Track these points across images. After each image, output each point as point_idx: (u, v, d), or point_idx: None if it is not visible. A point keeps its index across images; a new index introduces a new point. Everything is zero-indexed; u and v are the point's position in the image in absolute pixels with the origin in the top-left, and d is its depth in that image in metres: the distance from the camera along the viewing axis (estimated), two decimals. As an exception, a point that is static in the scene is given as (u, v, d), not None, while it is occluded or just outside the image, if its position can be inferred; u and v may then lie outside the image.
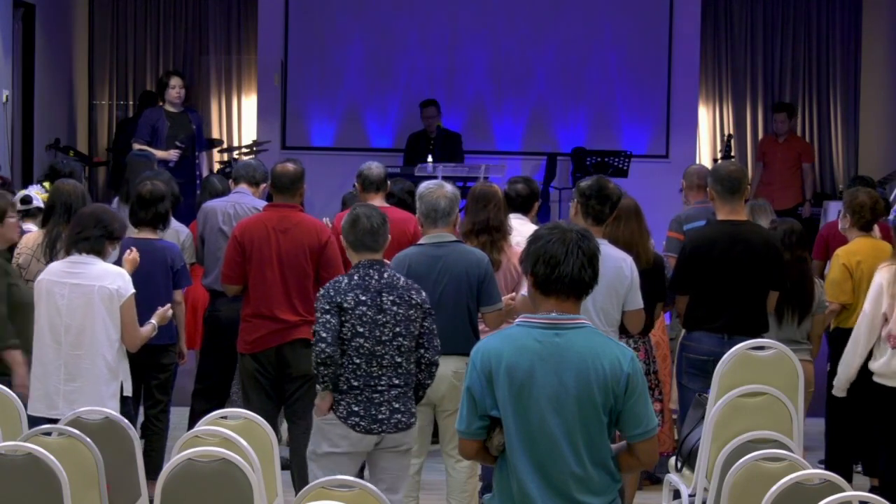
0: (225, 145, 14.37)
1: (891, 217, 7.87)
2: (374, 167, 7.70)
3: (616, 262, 6.34)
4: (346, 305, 5.61)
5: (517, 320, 4.19)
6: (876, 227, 7.76)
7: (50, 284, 6.18)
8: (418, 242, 6.53)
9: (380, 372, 5.65)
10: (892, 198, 10.34)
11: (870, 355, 6.77)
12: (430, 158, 12.10)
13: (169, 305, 6.60)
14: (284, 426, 7.37)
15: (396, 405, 5.69)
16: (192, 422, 7.35)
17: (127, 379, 6.27)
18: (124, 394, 6.24)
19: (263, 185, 8.04)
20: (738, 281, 6.74)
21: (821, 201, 13.39)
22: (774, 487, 4.77)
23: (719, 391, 6.27)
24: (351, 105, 14.26)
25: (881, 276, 6.65)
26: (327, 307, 5.61)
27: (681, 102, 14.25)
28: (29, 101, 13.14)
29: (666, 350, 7.62)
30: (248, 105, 14.95)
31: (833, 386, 7.07)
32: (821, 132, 14.93)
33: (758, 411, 6.05)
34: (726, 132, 14.65)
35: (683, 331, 7.05)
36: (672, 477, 6.48)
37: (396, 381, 5.68)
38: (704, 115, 14.87)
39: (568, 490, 4.05)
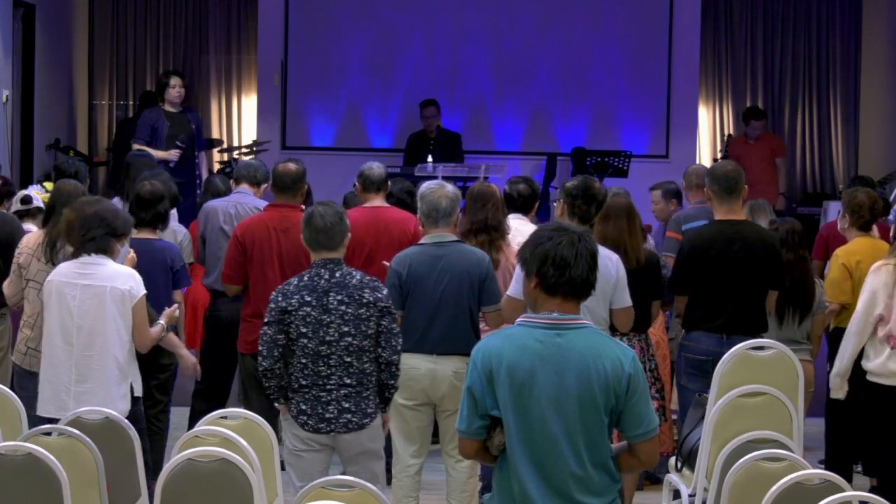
0: (225, 145, 14.37)
1: (891, 216, 7.88)
2: (376, 167, 7.70)
3: (602, 261, 6.32)
4: (290, 308, 5.62)
5: (518, 320, 4.20)
6: (875, 227, 7.76)
7: (61, 285, 6.14)
8: (419, 242, 6.53)
9: (328, 371, 5.64)
10: (891, 198, 10.34)
11: (864, 355, 6.76)
12: (430, 158, 12.10)
13: (176, 306, 6.58)
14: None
15: (346, 404, 5.65)
16: (192, 422, 7.35)
17: (137, 379, 6.25)
18: (135, 394, 6.24)
19: (265, 185, 8.05)
20: (736, 280, 6.74)
21: (820, 201, 13.40)
22: (774, 487, 4.77)
23: (719, 391, 6.27)
24: (351, 105, 14.27)
25: (878, 277, 6.63)
26: (269, 318, 5.67)
27: (681, 102, 14.26)
28: (29, 101, 13.14)
29: (666, 350, 7.62)
30: (248, 105, 14.95)
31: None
32: (821, 132, 14.93)
33: (758, 411, 6.05)
34: (726, 132, 14.66)
35: (683, 331, 7.06)
36: (672, 477, 6.48)
37: (348, 381, 5.65)
38: (704, 115, 14.87)
39: (568, 490, 4.05)
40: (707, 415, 6.16)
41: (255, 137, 14.26)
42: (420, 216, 6.50)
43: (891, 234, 6.99)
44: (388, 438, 6.52)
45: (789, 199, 14.21)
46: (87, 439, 5.22)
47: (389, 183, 7.90)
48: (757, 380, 6.20)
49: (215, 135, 14.69)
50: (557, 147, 14.03)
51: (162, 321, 6.38)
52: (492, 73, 14.28)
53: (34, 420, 6.01)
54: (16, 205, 7.96)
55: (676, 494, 6.48)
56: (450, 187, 6.51)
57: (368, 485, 4.67)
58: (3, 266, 7.13)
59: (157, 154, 10.30)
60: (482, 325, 6.46)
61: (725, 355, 6.39)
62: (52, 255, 6.73)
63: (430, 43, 14.28)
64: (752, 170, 12.95)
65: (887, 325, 6.58)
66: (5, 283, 6.98)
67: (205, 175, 10.92)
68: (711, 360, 6.50)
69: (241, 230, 7.16)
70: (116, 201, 8.58)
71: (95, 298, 6.10)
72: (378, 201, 7.56)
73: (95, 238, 6.15)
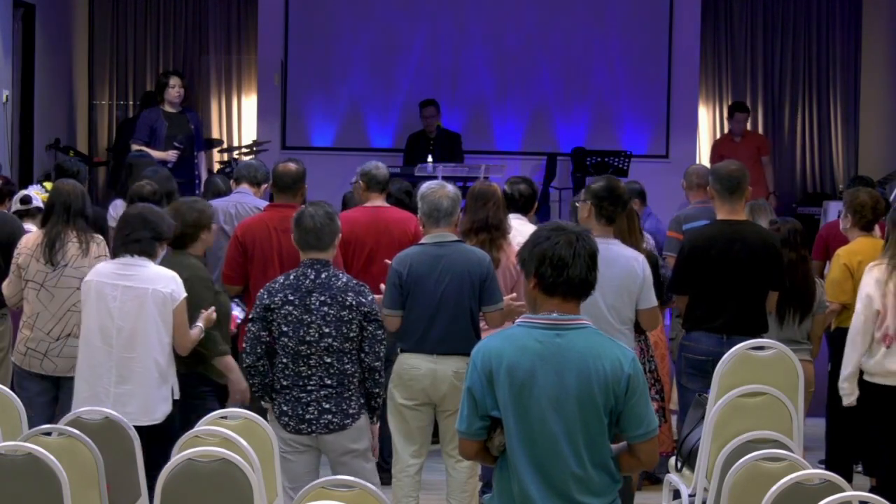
0: (225, 145, 14.38)
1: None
2: (381, 167, 7.70)
3: (628, 262, 6.38)
4: (273, 306, 5.64)
5: (518, 320, 4.20)
6: (877, 227, 7.76)
7: (100, 286, 6.11)
8: (420, 242, 6.53)
9: (309, 372, 5.65)
10: (892, 198, 10.34)
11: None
12: (429, 158, 12.11)
13: (213, 308, 6.50)
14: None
15: (326, 405, 5.65)
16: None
17: (175, 383, 6.21)
18: (174, 397, 6.23)
19: (265, 186, 8.05)
20: (736, 281, 6.73)
21: (820, 201, 13.40)
22: (774, 487, 4.77)
23: (719, 391, 6.27)
24: (351, 105, 14.27)
25: (873, 275, 6.62)
26: (253, 314, 5.69)
27: (681, 102, 14.27)
28: (29, 101, 13.14)
29: (664, 349, 7.62)
30: (248, 105, 14.95)
31: (835, 387, 7.06)
32: (821, 132, 14.93)
33: (758, 411, 6.05)
34: (726, 132, 14.65)
35: (683, 331, 7.06)
36: (672, 477, 6.48)
37: (328, 382, 5.65)
38: (704, 115, 14.87)
39: (568, 491, 4.05)
40: (707, 415, 6.16)
41: (255, 137, 14.26)
42: (421, 216, 6.49)
43: (888, 229, 6.98)
44: (388, 439, 6.52)
45: (789, 199, 14.21)
46: (87, 439, 5.21)
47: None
48: (757, 380, 6.20)
49: (215, 135, 14.69)
50: (557, 147, 14.04)
51: (200, 324, 6.30)
52: (492, 73, 14.29)
53: (33, 420, 6.01)
54: (15, 205, 7.95)
55: (676, 494, 6.48)
56: (450, 187, 6.51)
57: (368, 485, 4.66)
58: (4, 266, 7.12)
59: (156, 154, 10.30)
60: (482, 325, 6.46)
61: (725, 355, 6.39)
62: (50, 255, 6.72)
63: (430, 43, 14.29)
64: None
65: (883, 325, 6.58)
66: (4, 284, 6.97)
67: (204, 175, 10.93)
68: (712, 360, 6.49)
69: (242, 230, 7.16)
70: (118, 203, 8.59)
71: (137, 300, 6.07)
72: (380, 201, 7.57)
73: (141, 240, 6.12)
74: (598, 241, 6.27)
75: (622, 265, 6.30)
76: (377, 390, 5.76)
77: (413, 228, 7.27)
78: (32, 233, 7.15)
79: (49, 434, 5.26)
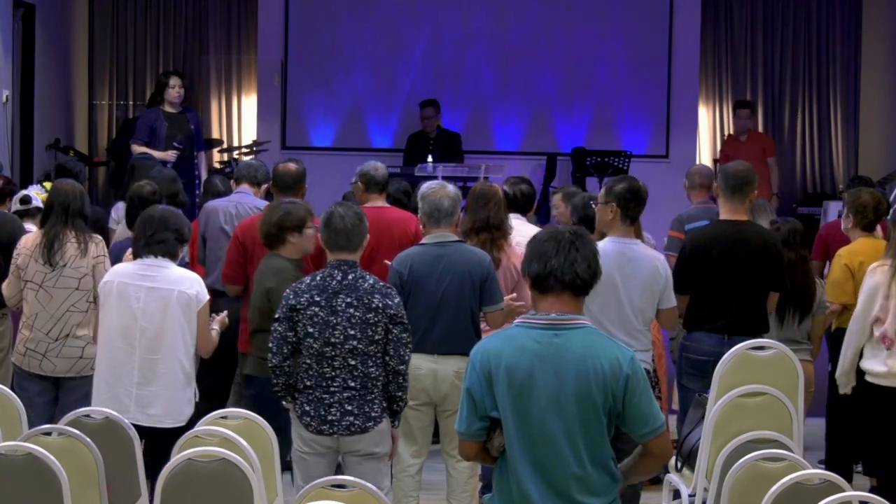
0: (225, 145, 14.38)
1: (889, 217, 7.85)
2: (380, 167, 7.70)
3: (651, 262, 6.41)
4: (299, 306, 5.57)
5: (517, 321, 4.20)
6: (879, 228, 7.75)
7: (122, 287, 6.07)
8: (421, 242, 6.53)
9: (332, 373, 5.58)
10: (892, 198, 10.34)
11: (862, 356, 6.75)
12: (430, 159, 12.11)
13: (226, 312, 6.50)
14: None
15: (349, 407, 5.58)
16: (192, 422, 7.33)
17: (195, 385, 6.21)
18: (196, 399, 6.21)
19: (265, 186, 8.05)
20: (738, 281, 6.74)
21: (820, 201, 13.40)
22: (774, 487, 4.77)
23: (719, 391, 6.27)
24: (351, 105, 14.27)
25: (876, 276, 6.62)
26: (279, 314, 5.62)
27: (681, 102, 14.26)
28: (29, 101, 13.14)
29: (661, 349, 7.61)
30: (248, 105, 14.95)
31: (835, 387, 7.06)
32: (821, 132, 14.92)
33: (758, 411, 6.05)
34: (726, 132, 14.65)
35: (683, 331, 7.06)
36: (672, 477, 6.48)
37: (352, 384, 5.57)
38: (704, 115, 14.86)
39: (568, 490, 4.05)
40: (707, 415, 6.16)
41: (255, 137, 14.26)
42: (421, 216, 6.49)
43: (890, 230, 6.98)
44: None
45: (789, 199, 14.21)
46: (87, 439, 5.21)
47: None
48: (757, 380, 6.20)
49: (215, 135, 14.68)
50: (557, 147, 14.03)
51: (216, 326, 6.31)
52: (491, 73, 14.28)
53: (33, 420, 6.01)
54: (15, 205, 7.95)
55: (676, 494, 6.48)
56: (451, 187, 6.51)
57: (368, 485, 4.66)
58: (5, 265, 7.12)
59: (156, 155, 10.31)
60: (483, 326, 6.46)
61: (725, 355, 6.39)
62: (49, 255, 6.71)
63: (430, 43, 14.28)
64: None
65: (883, 326, 6.58)
66: (4, 284, 6.97)
67: (204, 175, 10.93)
68: (713, 360, 6.49)
69: (242, 230, 7.16)
70: (120, 206, 8.59)
71: (161, 301, 6.04)
72: (379, 202, 7.57)
73: (165, 241, 6.08)
74: (623, 243, 6.40)
75: (647, 266, 6.37)
76: (400, 394, 5.67)
77: (413, 228, 7.27)
78: (31, 233, 7.14)
79: (49, 434, 5.26)
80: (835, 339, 7.64)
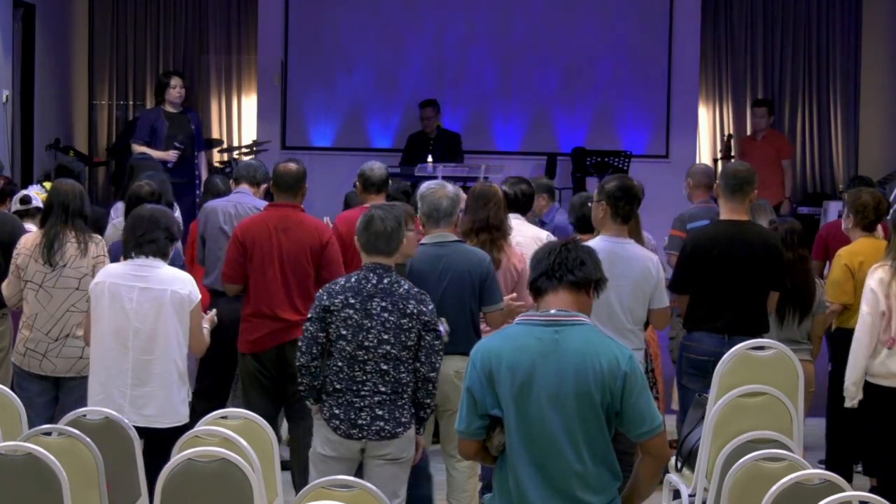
0: (225, 145, 14.38)
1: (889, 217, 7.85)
2: (377, 167, 7.69)
3: (643, 262, 6.41)
4: (332, 308, 5.54)
5: (518, 318, 4.21)
6: (879, 228, 7.75)
7: (114, 287, 6.05)
8: (420, 242, 6.53)
9: (364, 377, 5.54)
10: (892, 198, 10.34)
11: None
12: (429, 159, 12.11)
13: (215, 311, 6.50)
14: (284, 426, 7.36)
15: (380, 412, 5.54)
16: (192, 422, 7.33)
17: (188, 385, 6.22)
18: (189, 399, 6.21)
19: (264, 186, 8.05)
20: (738, 281, 6.73)
21: (820, 201, 13.40)
22: (774, 487, 4.77)
23: (719, 391, 6.27)
24: (351, 105, 14.27)
25: (877, 276, 6.62)
26: (313, 314, 5.59)
27: (681, 102, 14.27)
28: (29, 101, 13.14)
29: (656, 348, 7.61)
30: (248, 105, 14.95)
31: (835, 387, 7.06)
32: (821, 132, 14.93)
33: (758, 411, 6.05)
34: (726, 132, 14.65)
35: (684, 331, 7.05)
36: (672, 477, 6.48)
37: (382, 389, 5.53)
38: (704, 115, 14.87)
39: (569, 488, 4.06)
40: (707, 415, 6.16)
41: (255, 137, 14.26)
42: (421, 216, 6.49)
43: (890, 230, 6.98)
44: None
45: (789, 200, 14.21)
46: (87, 439, 5.21)
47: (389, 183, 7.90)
48: (757, 380, 6.20)
49: (215, 135, 14.69)
50: (557, 147, 14.04)
51: (206, 325, 6.31)
52: (492, 73, 14.29)
53: (33, 420, 6.00)
54: (15, 205, 7.95)
55: (676, 494, 6.48)
56: (450, 187, 6.51)
57: (368, 485, 4.66)
58: (5, 265, 7.12)
59: (156, 154, 10.31)
60: (483, 326, 6.46)
61: (725, 355, 6.39)
62: (49, 255, 6.71)
63: (430, 43, 14.29)
64: (756, 171, 12.96)
65: (888, 326, 6.57)
66: (4, 284, 6.97)
67: (204, 175, 10.94)
68: (713, 360, 6.49)
69: (241, 230, 7.16)
70: (119, 206, 8.58)
71: (154, 302, 6.02)
72: (378, 202, 7.55)
73: (157, 241, 6.06)
74: (614, 242, 6.40)
75: (638, 266, 6.37)
76: (429, 401, 5.64)
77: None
78: (31, 233, 7.14)
79: (49, 434, 5.26)
80: (835, 339, 7.64)
